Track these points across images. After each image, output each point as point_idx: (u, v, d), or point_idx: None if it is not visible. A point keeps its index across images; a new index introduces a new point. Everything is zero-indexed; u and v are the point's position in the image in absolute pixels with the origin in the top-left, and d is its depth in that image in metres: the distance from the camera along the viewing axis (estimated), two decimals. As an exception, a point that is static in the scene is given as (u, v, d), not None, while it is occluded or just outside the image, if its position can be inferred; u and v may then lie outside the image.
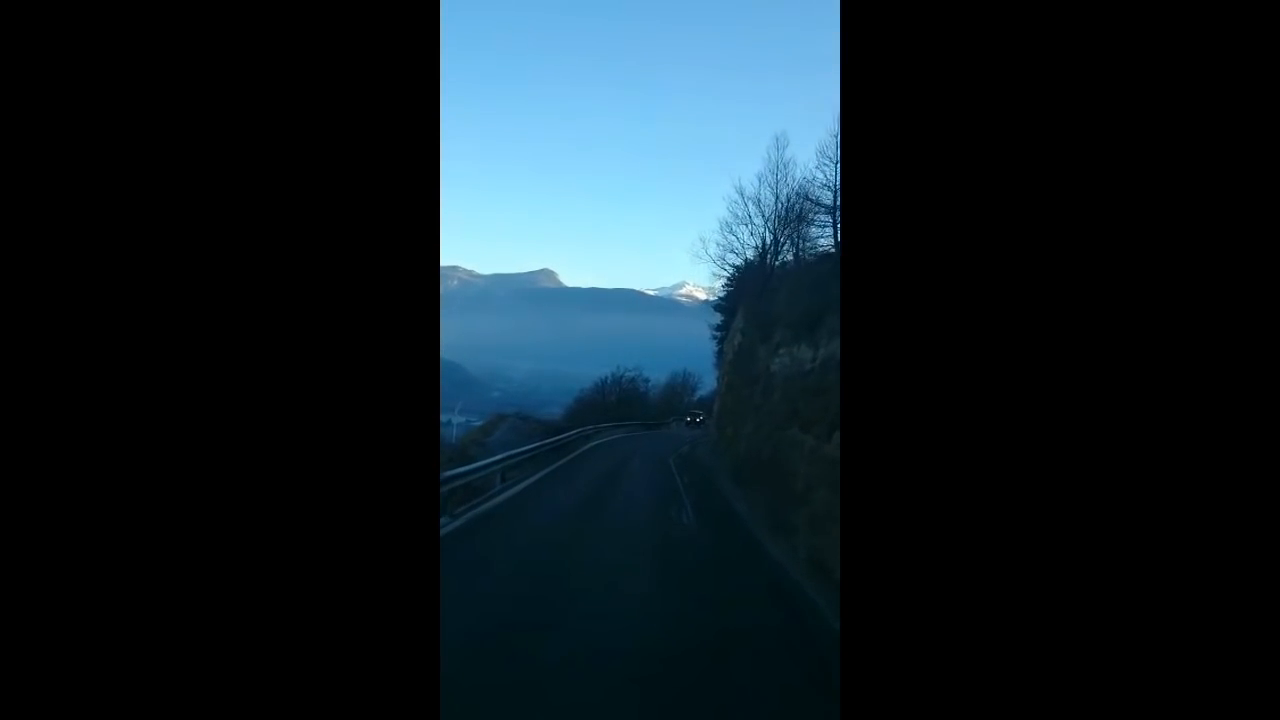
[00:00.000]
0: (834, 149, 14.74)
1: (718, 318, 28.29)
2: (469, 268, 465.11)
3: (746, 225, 21.32)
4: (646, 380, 41.29)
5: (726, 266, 22.93)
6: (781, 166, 18.74)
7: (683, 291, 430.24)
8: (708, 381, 44.35)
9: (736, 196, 22.07)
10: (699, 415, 34.54)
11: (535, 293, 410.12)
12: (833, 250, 13.82)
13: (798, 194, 17.84)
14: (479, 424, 24.08)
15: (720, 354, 26.49)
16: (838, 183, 14.17)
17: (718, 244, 34.01)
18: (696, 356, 49.99)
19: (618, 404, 34.55)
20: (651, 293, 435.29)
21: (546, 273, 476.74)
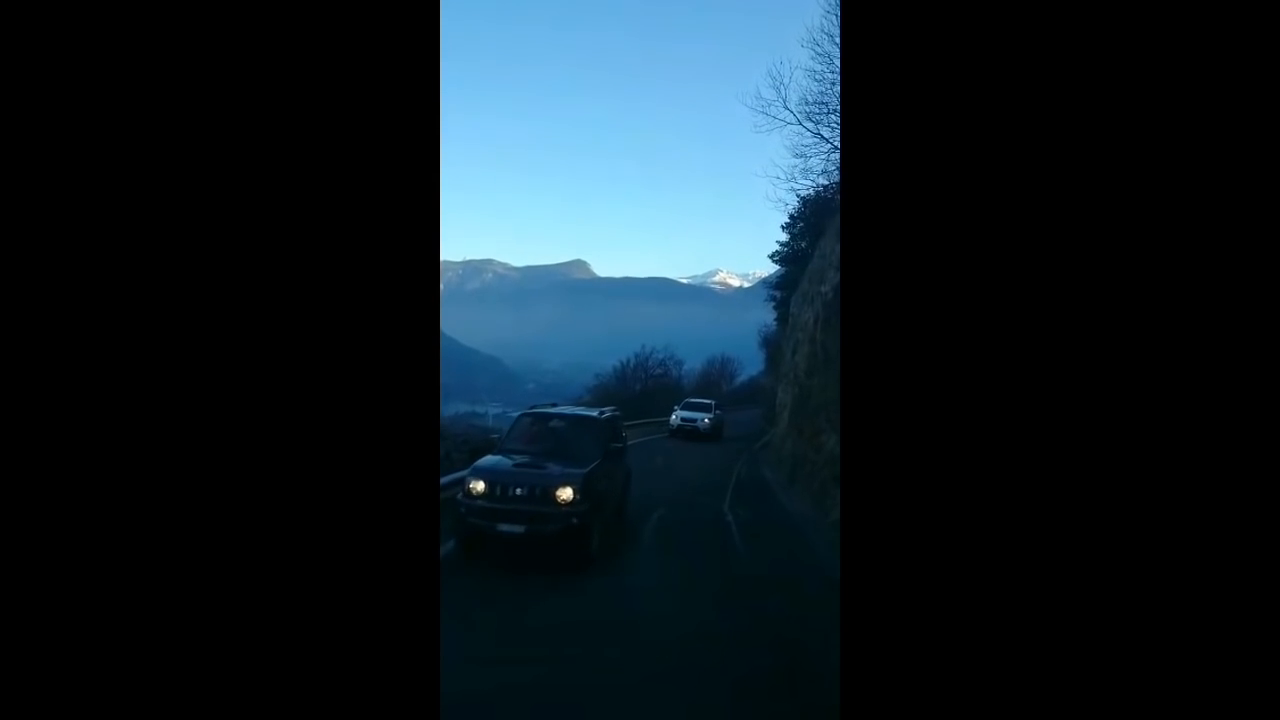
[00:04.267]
0: None
1: (754, 303, 25.24)
2: (503, 260, 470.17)
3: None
4: (680, 364, 32.66)
5: (826, 125, 11.94)
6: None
7: (716, 279, 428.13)
8: (748, 367, 43.09)
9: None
10: (705, 410, 18.09)
11: (568, 284, 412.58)
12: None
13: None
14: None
15: (783, 320, 19.21)
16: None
17: (806, 95, 17.41)
18: (732, 344, 49.19)
19: (643, 394, 24.98)
20: (684, 281, 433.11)
21: (579, 263, 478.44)
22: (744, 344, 41.40)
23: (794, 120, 12.61)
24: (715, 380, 40.57)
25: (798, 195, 15.43)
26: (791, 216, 18.14)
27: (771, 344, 26.85)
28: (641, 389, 26.50)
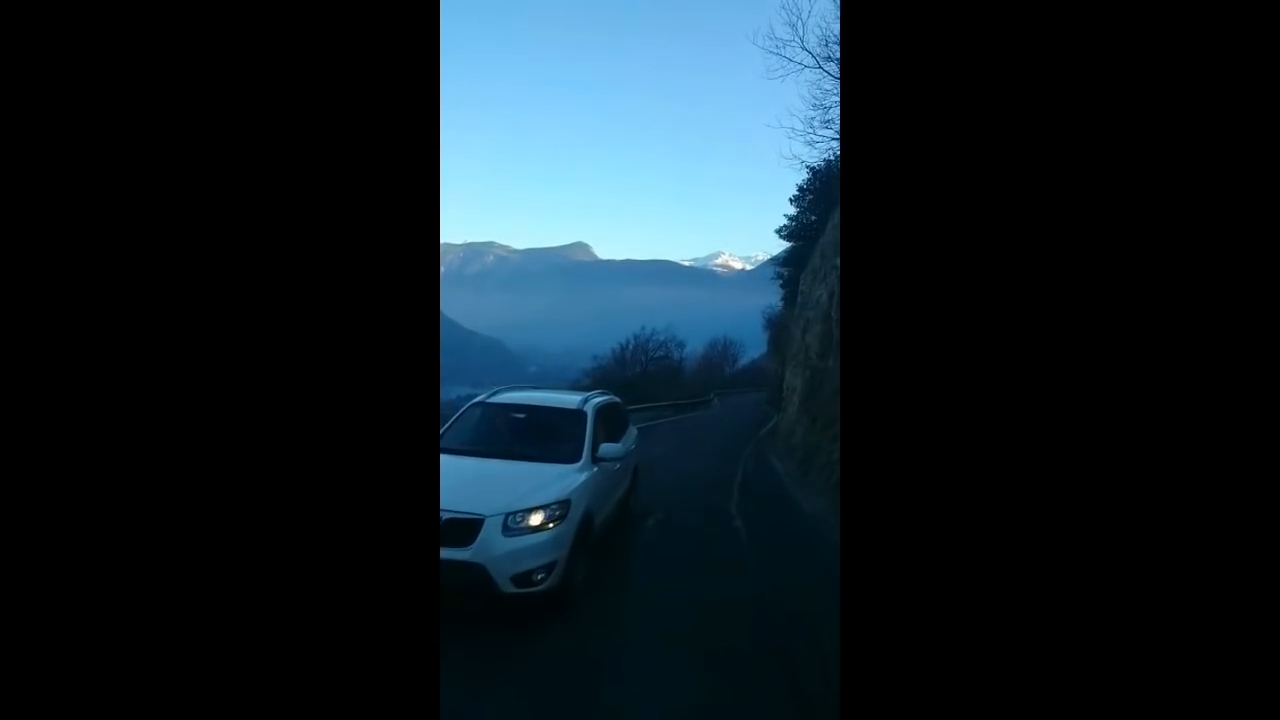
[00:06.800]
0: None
1: (757, 286, 24.33)
2: (504, 243, 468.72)
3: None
4: (682, 346, 30.73)
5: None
6: None
7: (719, 261, 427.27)
8: (750, 350, 42.89)
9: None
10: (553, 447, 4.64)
11: (570, 267, 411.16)
12: None
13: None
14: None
15: (791, 300, 17.28)
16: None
17: (828, 34, 14.07)
18: (735, 327, 49.01)
19: (642, 379, 23.39)
20: (687, 264, 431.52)
21: (580, 246, 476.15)
22: (747, 327, 41.23)
23: (813, 63, 10.96)
24: (717, 363, 40.00)
25: (809, 167, 14.07)
26: (800, 189, 16.80)
27: (777, 325, 26.30)
28: (640, 374, 25.44)
